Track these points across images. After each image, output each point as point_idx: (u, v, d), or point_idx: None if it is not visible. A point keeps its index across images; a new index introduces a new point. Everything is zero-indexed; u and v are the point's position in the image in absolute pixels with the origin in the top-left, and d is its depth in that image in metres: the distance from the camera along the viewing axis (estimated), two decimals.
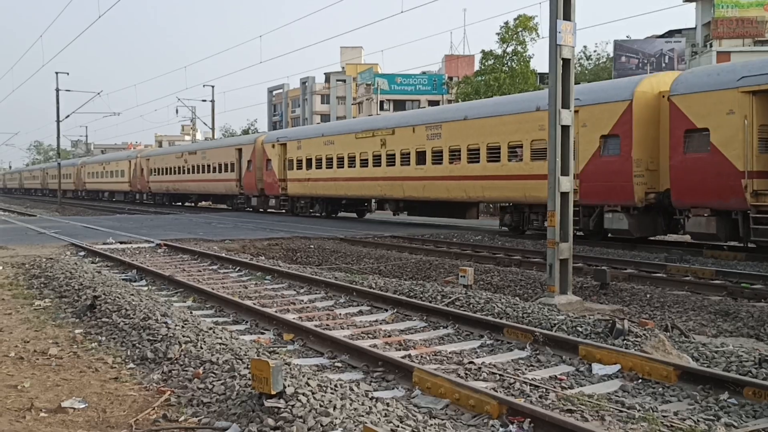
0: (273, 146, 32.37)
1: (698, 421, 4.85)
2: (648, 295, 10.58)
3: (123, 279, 11.43)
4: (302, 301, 9.79)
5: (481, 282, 11.98)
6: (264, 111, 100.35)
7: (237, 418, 4.63)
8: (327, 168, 28.25)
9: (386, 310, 8.89)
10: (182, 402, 5.08)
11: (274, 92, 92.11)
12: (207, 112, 73.54)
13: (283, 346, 7.14)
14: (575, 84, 10.16)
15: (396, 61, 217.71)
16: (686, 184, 15.10)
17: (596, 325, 7.37)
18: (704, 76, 15.28)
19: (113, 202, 56.59)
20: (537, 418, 4.56)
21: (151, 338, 6.82)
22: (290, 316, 8.38)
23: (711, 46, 50.68)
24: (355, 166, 26.45)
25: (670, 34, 55.98)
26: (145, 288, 10.75)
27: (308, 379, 5.02)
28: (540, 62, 65.96)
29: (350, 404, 4.58)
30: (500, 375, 5.96)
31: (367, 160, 25.72)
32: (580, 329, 7.35)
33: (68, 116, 52.63)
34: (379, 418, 4.40)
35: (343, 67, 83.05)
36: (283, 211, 32.86)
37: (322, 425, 4.21)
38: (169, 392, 5.27)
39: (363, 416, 4.37)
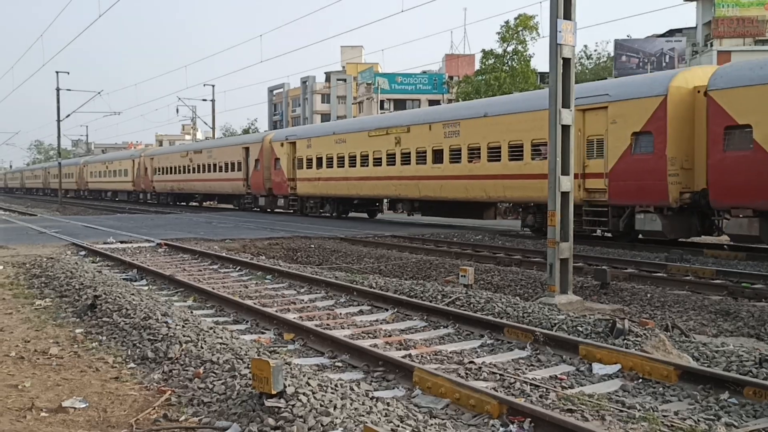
0: (282, 145, 31.66)
1: (698, 420, 4.85)
2: (648, 295, 10.58)
3: (123, 278, 11.44)
4: (303, 300, 9.80)
5: (481, 281, 11.98)
6: (264, 110, 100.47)
7: (237, 417, 4.63)
8: (338, 167, 27.54)
9: (387, 310, 8.89)
10: (183, 402, 5.08)
11: (275, 91, 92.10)
12: (207, 112, 73.68)
13: (284, 346, 7.14)
14: (576, 83, 10.16)
15: (396, 60, 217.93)
16: (726, 183, 14.37)
17: (597, 324, 7.37)
18: (746, 69, 14.53)
19: (116, 201, 56.21)
20: (537, 417, 4.56)
21: (151, 338, 6.82)
22: (291, 316, 8.38)
23: (711, 45, 50.68)
24: (367, 165, 25.78)
25: (671, 33, 56.01)
26: (146, 287, 10.76)
27: (309, 378, 5.02)
28: (540, 61, 66.05)
29: (350, 404, 4.58)
30: (500, 375, 5.96)
31: (380, 158, 25.03)
32: (580, 329, 7.35)
33: (69, 116, 52.73)
34: (379, 418, 4.40)
35: (343, 67, 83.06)
36: (291, 211, 32.15)
37: (322, 425, 4.22)
38: (169, 392, 5.27)
39: (363, 416, 4.37)
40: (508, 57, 44.12)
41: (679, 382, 5.63)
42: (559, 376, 6.00)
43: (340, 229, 21.47)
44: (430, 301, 9.15)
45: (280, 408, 4.51)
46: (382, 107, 65.13)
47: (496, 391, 5.37)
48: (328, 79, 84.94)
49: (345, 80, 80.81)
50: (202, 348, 6.31)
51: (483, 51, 45.32)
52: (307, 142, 30.01)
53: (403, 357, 6.44)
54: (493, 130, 20.06)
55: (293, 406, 4.51)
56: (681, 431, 4.68)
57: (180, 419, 4.74)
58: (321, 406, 4.48)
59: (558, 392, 5.46)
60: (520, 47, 43.87)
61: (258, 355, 5.90)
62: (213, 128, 52.98)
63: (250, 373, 5.00)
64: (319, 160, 28.87)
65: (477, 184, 20.74)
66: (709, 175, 14.78)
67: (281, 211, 33.48)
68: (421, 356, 6.65)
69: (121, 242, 17.29)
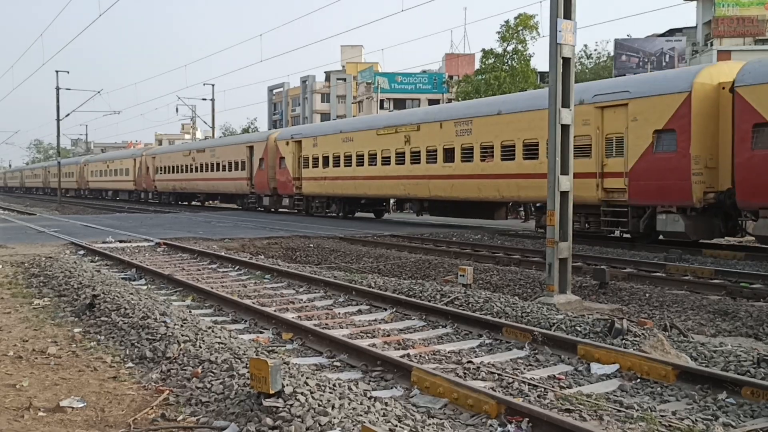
0: (287, 143, 31.16)
1: (696, 420, 4.85)
2: (647, 295, 10.57)
3: (122, 278, 11.44)
4: (301, 300, 9.79)
5: (480, 281, 11.98)
6: (264, 110, 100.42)
7: (235, 417, 4.63)
8: (345, 166, 27.06)
9: (385, 310, 8.89)
10: (181, 401, 5.08)
11: (275, 91, 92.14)
12: (207, 111, 73.65)
13: (282, 346, 7.14)
14: (576, 82, 10.14)
15: (396, 59, 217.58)
16: (755, 182, 13.94)
17: (595, 324, 7.37)
18: None
19: (115, 201, 56.00)
20: (535, 417, 4.56)
21: (149, 337, 6.82)
22: (289, 315, 8.38)
23: (712, 44, 50.69)
24: (375, 164, 25.28)
25: (671, 32, 56.02)
26: (144, 287, 10.75)
27: (307, 378, 5.02)
28: (540, 61, 66.05)
29: (349, 403, 4.58)
30: (499, 374, 5.96)
31: (389, 157, 24.55)
32: (578, 329, 7.35)
33: (68, 115, 52.66)
34: (377, 418, 4.40)
35: (343, 66, 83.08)
36: (296, 211, 31.60)
37: (320, 425, 4.21)
38: (167, 391, 5.27)
39: (361, 415, 4.37)
40: (508, 56, 44.13)
41: (677, 382, 5.63)
42: (557, 375, 6.00)
43: (340, 229, 21.46)
44: (429, 301, 9.14)
45: (278, 408, 4.51)
46: (381, 107, 65.14)
47: (495, 390, 5.37)
48: (327, 79, 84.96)
49: (345, 80, 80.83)
50: (200, 347, 6.31)
51: (483, 50, 45.36)
52: (313, 141, 29.50)
53: (402, 357, 6.43)
54: (507, 128, 19.55)
55: (291, 405, 4.51)
56: (679, 431, 4.68)
57: (178, 419, 4.74)
58: (319, 405, 4.48)
59: (556, 392, 5.46)
60: (520, 47, 43.87)
61: (256, 355, 5.90)
62: (212, 127, 52.97)
63: (248, 372, 5.00)
64: (326, 159, 28.38)
65: (490, 183, 20.27)
66: (736, 175, 14.35)
67: (286, 210, 33.03)
68: (420, 356, 6.65)
69: (120, 241, 17.29)
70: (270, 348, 6.89)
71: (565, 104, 9.69)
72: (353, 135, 26.96)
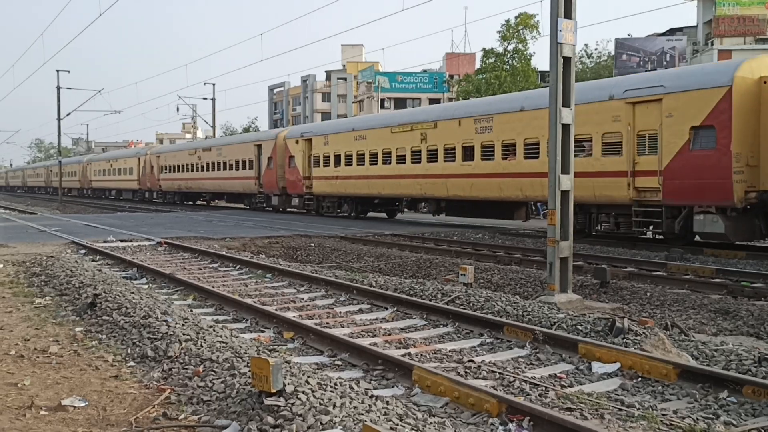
0: (297, 142, 30.42)
1: (697, 419, 4.85)
2: (648, 294, 10.58)
3: (123, 277, 11.45)
4: (302, 299, 9.80)
5: (481, 280, 11.99)
6: (265, 109, 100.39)
7: (237, 416, 4.64)
8: (358, 165, 26.27)
9: (386, 309, 8.90)
10: (182, 400, 5.08)
11: (275, 90, 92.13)
12: (208, 110, 73.58)
13: (283, 345, 7.14)
14: (576, 82, 10.14)
15: (397, 59, 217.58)
16: None
17: (596, 323, 7.38)
18: None
19: (118, 200, 55.53)
20: (536, 416, 4.57)
21: (151, 336, 6.83)
22: (290, 315, 8.39)
23: (712, 44, 50.70)
24: (390, 163, 24.52)
25: (672, 32, 56.03)
26: (146, 286, 10.76)
27: (308, 377, 5.03)
28: (541, 60, 65.93)
29: (350, 402, 4.58)
30: (500, 373, 5.96)
31: (404, 156, 23.80)
32: (580, 328, 7.35)
33: (69, 114, 52.51)
34: (378, 417, 4.40)
35: (344, 65, 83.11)
36: (305, 211, 30.89)
37: (321, 423, 4.22)
38: (169, 390, 5.28)
39: (362, 414, 4.37)
40: (508, 56, 44.16)
41: (678, 381, 5.63)
42: (558, 374, 6.00)
43: (342, 228, 21.46)
44: (430, 300, 9.15)
45: (279, 406, 4.51)
46: (382, 106, 65.15)
47: (496, 389, 5.37)
48: (328, 78, 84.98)
49: (345, 79, 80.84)
50: (201, 346, 6.31)
51: (483, 50, 45.38)
52: (324, 139, 28.80)
53: (403, 355, 6.44)
54: (530, 125, 18.79)
55: (292, 404, 4.51)
56: (680, 430, 4.69)
57: (179, 417, 4.75)
58: (320, 404, 4.48)
59: (557, 391, 5.46)
60: (520, 46, 43.91)
61: (257, 354, 5.91)
62: (213, 127, 53.00)
63: (249, 371, 5.01)
64: (337, 157, 27.67)
65: (512, 182, 19.57)
66: None
67: (295, 210, 32.44)
68: (421, 355, 6.65)
69: (121, 241, 17.30)
70: (271, 347, 6.90)
71: (566, 103, 9.70)
72: (366, 133, 26.26)
